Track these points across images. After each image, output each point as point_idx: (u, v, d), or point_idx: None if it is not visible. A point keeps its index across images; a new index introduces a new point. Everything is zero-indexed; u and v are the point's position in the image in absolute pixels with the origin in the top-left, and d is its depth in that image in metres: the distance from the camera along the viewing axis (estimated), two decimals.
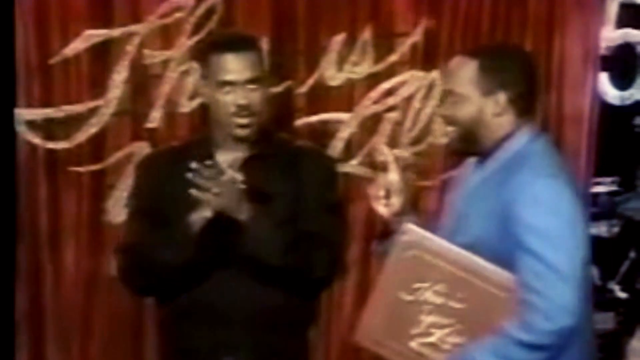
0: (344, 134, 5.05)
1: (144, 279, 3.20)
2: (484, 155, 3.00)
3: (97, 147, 4.89)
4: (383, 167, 3.00)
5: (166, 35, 4.91)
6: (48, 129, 4.84)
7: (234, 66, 3.12)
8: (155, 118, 4.91)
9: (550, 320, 2.76)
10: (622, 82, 5.44)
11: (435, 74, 5.05)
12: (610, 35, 5.36)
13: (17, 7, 4.76)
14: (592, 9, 5.25)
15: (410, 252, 2.93)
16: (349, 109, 5.07)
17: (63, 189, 4.87)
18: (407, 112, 5.09)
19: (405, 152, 5.05)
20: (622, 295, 5.42)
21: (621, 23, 5.40)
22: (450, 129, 3.01)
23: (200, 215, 3.04)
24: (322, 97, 5.04)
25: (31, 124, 4.82)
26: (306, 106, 5.03)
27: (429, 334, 2.91)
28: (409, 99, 5.09)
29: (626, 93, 5.46)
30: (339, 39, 5.01)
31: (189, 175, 2.99)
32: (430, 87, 5.07)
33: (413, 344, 2.92)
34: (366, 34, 5.03)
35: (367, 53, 5.04)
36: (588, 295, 2.88)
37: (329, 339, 5.06)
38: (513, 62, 2.99)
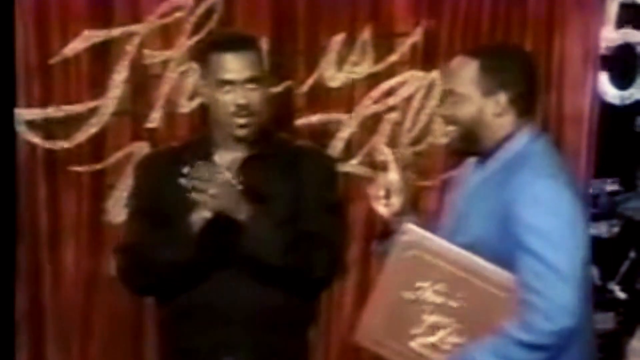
0: (344, 134, 5.05)
1: (144, 279, 3.20)
2: (484, 155, 3.00)
3: (97, 147, 4.88)
4: (383, 167, 2.99)
5: (166, 35, 4.91)
6: (48, 128, 4.84)
7: (234, 65, 3.13)
8: (155, 118, 4.90)
9: (551, 321, 2.76)
10: (622, 82, 5.43)
11: (435, 74, 5.05)
12: (610, 35, 5.35)
13: (17, 7, 4.76)
14: (592, 9, 5.24)
15: (411, 252, 2.93)
16: (348, 109, 5.06)
17: (63, 189, 4.87)
18: (407, 112, 5.09)
19: (404, 152, 5.05)
20: (622, 295, 5.41)
21: (621, 23, 5.39)
22: (450, 128, 3.01)
23: (200, 216, 3.04)
24: (322, 97, 5.04)
25: (31, 124, 4.82)
26: (306, 106, 5.02)
27: (429, 334, 2.91)
28: (408, 99, 5.09)
29: (626, 93, 5.45)
30: (338, 39, 5.01)
31: (182, 180, 2.99)
32: (430, 87, 5.07)
33: (413, 344, 2.92)
34: (366, 34, 5.03)
35: (367, 53, 5.04)
36: (588, 296, 2.88)
37: (329, 339, 5.05)
38: (514, 62, 2.99)
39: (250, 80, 3.13)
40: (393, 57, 5.06)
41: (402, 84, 5.07)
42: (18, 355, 4.90)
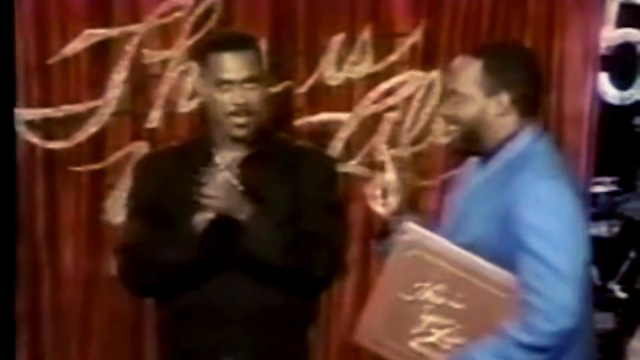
0: (344, 134, 5.05)
1: (145, 279, 3.19)
2: (486, 155, 2.99)
3: (97, 146, 4.89)
4: (380, 167, 2.99)
5: (165, 35, 4.91)
6: (47, 128, 4.84)
7: (232, 65, 3.12)
8: (154, 118, 4.91)
9: (551, 322, 2.76)
10: (622, 82, 5.44)
11: (434, 74, 5.05)
12: (610, 35, 5.36)
13: (17, 7, 4.76)
14: (592, 9, 5.24)
15: (411, 252, 2.92)
16: (348, 109, 5.06)
17: (62, 189, 4.87)
18: (406, 112, 5.09)
19: (404, 152, 5.05)
20: (622, 295, 5.41)
21: (621, 23, 5.39)
22: (452, 128, 3.00)
23: (203, 217, 3.04)
24: (321, 97, 5.04)
25: (30, 124, 4.82)
26: (306, 106, 5.02)
27: (429, 334, 2.91)
28: (408, 99, 5.09)
29: (626, 93, 5.46)
30: (338, 39, 5.01)
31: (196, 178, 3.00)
32: (430, 87, 5.07)
33: (413, 344, 2.91)
34: (366, 34, 5.03)
35: (367, 53, 5.04)
36: (588, 296, 2.88)
37: (329, 339, 5.05)
38: (517, 62, 2.98)
39: (249, 79, 3.13)
40: (393, 57, 5.06)
41: (401, 83, 5.07)
42: (18, 356, 4.89)
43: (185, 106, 4.90)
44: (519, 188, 2.83)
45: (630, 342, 4.34)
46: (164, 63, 4.90)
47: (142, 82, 4.90)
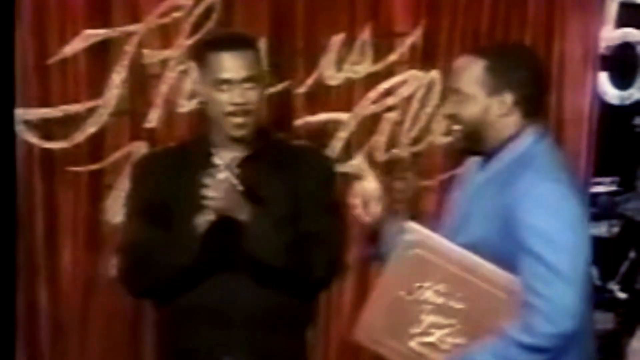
0: (343, 133, 5.05)
1: (145, 281, 3.19)
2: (488, 155, 2.99)
3: (96, 147, 4.88)
4: (358, 176, 2.98)
5: (165, 35, 4.90)
6: (46, 128, 4.83)
7: (231, 65, 3.12)
8: (153, 118, 4.90)
9: (552, 323, 2.75)
10: (622, 82, 5.44)
11: (434, 74, 5.05)
12: (610, 35, 5.36)
13: (17, 7, 4.76)
14: (592, 9, 5.25)
15: (413, 251, 2.92)
16: (348, 108, 5.06)
17: (61, 189, 4.87)
18: (406, 112, 5.09)
19: (404, 152, 5.05)
20: (622, 295, 5.41)
21: (621, 23, 5.39)
22: (455, 127, 3.00)
23: (205, 219, 3.04)
24: (321, 97, 5.03)
25: (29, 124, 4.81)
26: (305, 106, 5.02)
27: (429, 334, 2.91)
28: (408, 99, 5.09)
29: (626, 93, 5.46)
30: (338, 38, 5.01)
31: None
32: (430, 87, 5.07)
33: (413, 344, 2.91)
34: (365, 34, 5.02)
35: (367, 53, 5.04)
36: (588, 296, 2.87)
37: (328, 339, 5.05)
38: (521, 62, 2.97)
39: (248, 79, 3.13)
40: (392, 57, 5.06)
41: (401, 83, 5.07)
42: (18, 356, 4.89)
43: (185, 106, 4.89)
44: (520, 189, 2.83)
45: (630, 342, 4.34)
46: (164, 63, 4.89)
47: (141, 82, 4.89)
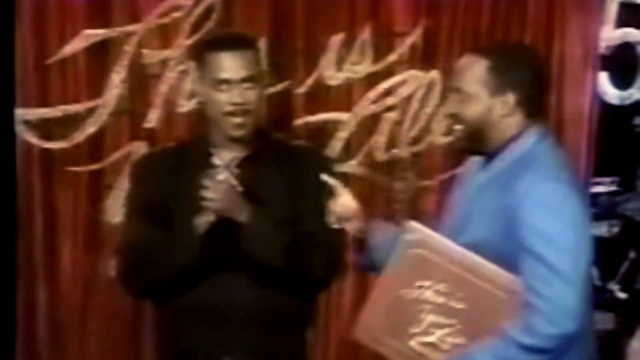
0: (343, 133, 5.04)
1: (145, 281, 3.19)
2: (490, 155, 2.98)
3: (96, 147, 4.88)
4: (333, 193, 2.98)
5: (164, 35, 4.90)
6: (46, 128, 4.83)
7: (230, 64, 3.12)
8: (153, 118, 4.90)
9: (553, 324, 2.75)
10: (622, 82, 5.44)
11: (434, 74, 5.05)
12: (610, 35, 5.35)
13: (17, 7, 4.75)
14: (592, 9, 5.24)
15: (414, 251, 2.92)
16: (348, 108, 5.06)
17: (61, 189, 4.87)
18: (406, 112, 5.09)
19: (404, 152, 5.05)
20: (622, 295, 5.41)
21: (621, 23, 5.39)
22: (457, 127, 3.00)
23: (205, 219, 3.04)
24: (321, 97, 5.03)
25: (29, 124, 4.81)
26: (305, 106, 5.02)
27: (429, 334, 2.90)
28: (408, 99, 5.08)
29: (626, 93, 5.46)
30: (338, 38, 5.01)
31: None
32: (429, 87, 5.07)
33: (413, 343, 2.91)
34: (365, 34, 5.02)
35: (366, 53, 5.03)
36: (588, 296, 2.87)
37: (328, 339, 5.05)
38: (523, 62, 2.97)
39: (247, 79, 3.13)
40: (392, 57, 5.06)
41: (401, 83, 5.07)
42: (17, 355, 4.89)
43: (185, 106, 4.89)
44: (522, 190, 2.82)
45: (630, 342, 4.33)
46: (163, 63, 4.89)
47: (141, 82, 4.89)
